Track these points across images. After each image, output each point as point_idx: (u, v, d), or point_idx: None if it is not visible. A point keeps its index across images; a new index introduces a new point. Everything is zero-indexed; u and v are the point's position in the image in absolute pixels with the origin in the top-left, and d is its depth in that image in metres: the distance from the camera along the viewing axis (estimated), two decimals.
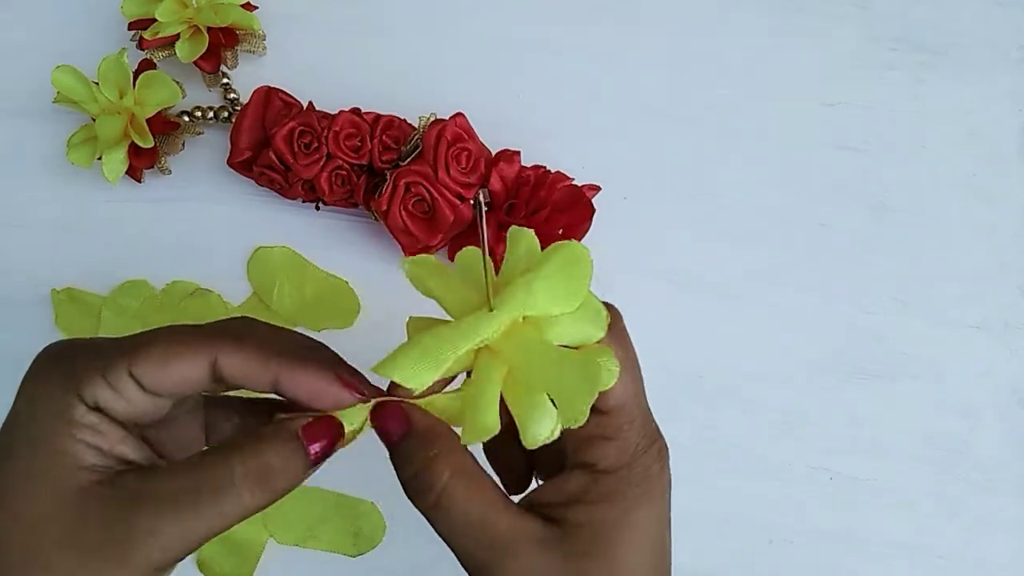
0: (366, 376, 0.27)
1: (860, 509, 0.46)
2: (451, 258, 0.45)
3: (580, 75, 0.49)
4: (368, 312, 0.45)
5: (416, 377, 0.24)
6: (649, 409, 0.28)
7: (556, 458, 0.28)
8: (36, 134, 0.46)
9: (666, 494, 0.27)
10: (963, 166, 0.50)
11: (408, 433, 0.26)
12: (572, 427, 0.23)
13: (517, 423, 0.24)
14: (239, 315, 0.27)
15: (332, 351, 0.28)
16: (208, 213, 0.46)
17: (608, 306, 0.27)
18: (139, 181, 0.45)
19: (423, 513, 0.26)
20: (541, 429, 0.23)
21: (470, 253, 0.28)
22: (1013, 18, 0.52)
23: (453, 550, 0.26)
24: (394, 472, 0.27)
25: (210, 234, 0.46)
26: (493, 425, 0.24)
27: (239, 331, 0.26)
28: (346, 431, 0.26)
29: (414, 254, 0.44)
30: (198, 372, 0.24)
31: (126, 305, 0.44)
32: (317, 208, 0.46)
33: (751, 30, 0.51)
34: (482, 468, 0.26)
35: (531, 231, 0.27)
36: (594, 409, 0.24)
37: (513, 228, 0.27)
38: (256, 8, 0.47)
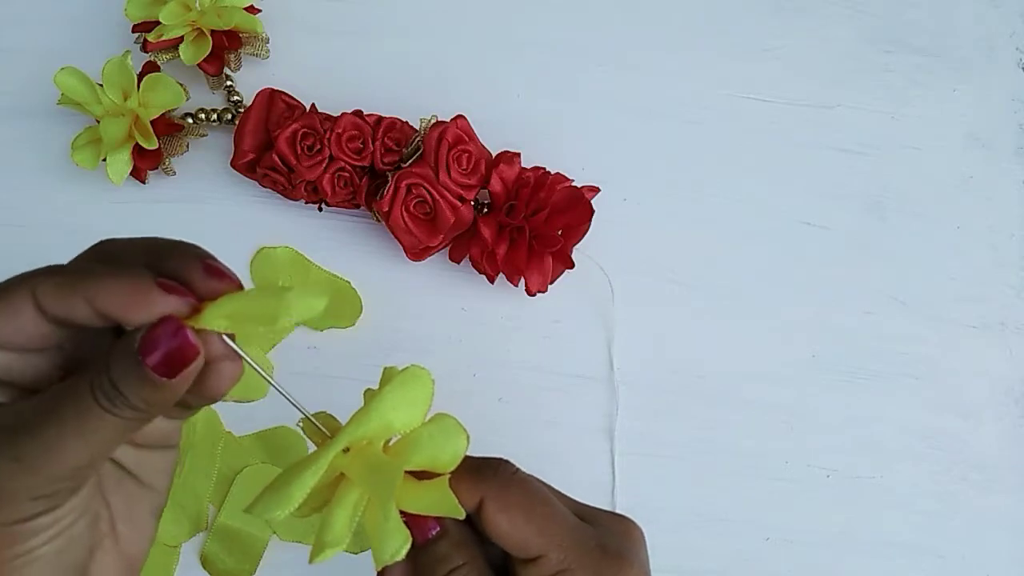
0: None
1: (859, 508, 0.46)
2: (452, 259, 0.45)
3: (580, 76, 0.50)
4: (371, 312, 0.46)
5: (274, 513, 0.24)
6: (580, 547, 0.26)
7: None
8: (40, 135, 0.46)
9: None
10: (960, 168, 0.51)
11: (442, 534, 0.26)
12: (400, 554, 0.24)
13: (371, 543, 0.25)
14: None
15: (185, 252, 0.24)
16: (211, 214, 0.46)
17: (500, 460, 0.27)
18: (143, 182, 0.46)
19: None
20: (385, 549, 0.24)
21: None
22: (1009, 20, 0.53)
23: None
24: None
25: (214, 235, 0.46)
26: (335, 541, 0.24)
27: (61, 265, 0.24)
28: (194, 332, 0.23)
29: (416, 255, 0.45)
30: (24, 315, 0.22)
31: None
32: (320, 209, 0.46)
33: (750, 33, 0.51)
34: None
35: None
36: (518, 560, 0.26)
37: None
38: (259, 11, 0.47)
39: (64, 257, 0.46)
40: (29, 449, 0.22)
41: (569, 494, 0.28)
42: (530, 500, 0.26)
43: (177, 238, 0.25)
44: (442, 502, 0.24)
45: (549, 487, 0.28)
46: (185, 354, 0.22)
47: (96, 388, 0.22)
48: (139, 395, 0.22)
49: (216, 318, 0.23)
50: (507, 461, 0.27)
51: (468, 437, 0.25)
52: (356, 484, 0.25)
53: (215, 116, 0.46)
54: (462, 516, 0.24)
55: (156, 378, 0.22)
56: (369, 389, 0.26)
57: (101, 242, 0.25)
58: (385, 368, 0.26)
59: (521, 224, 0.43)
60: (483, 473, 0.26)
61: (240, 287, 0.24)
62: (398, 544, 0.24)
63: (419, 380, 0.25)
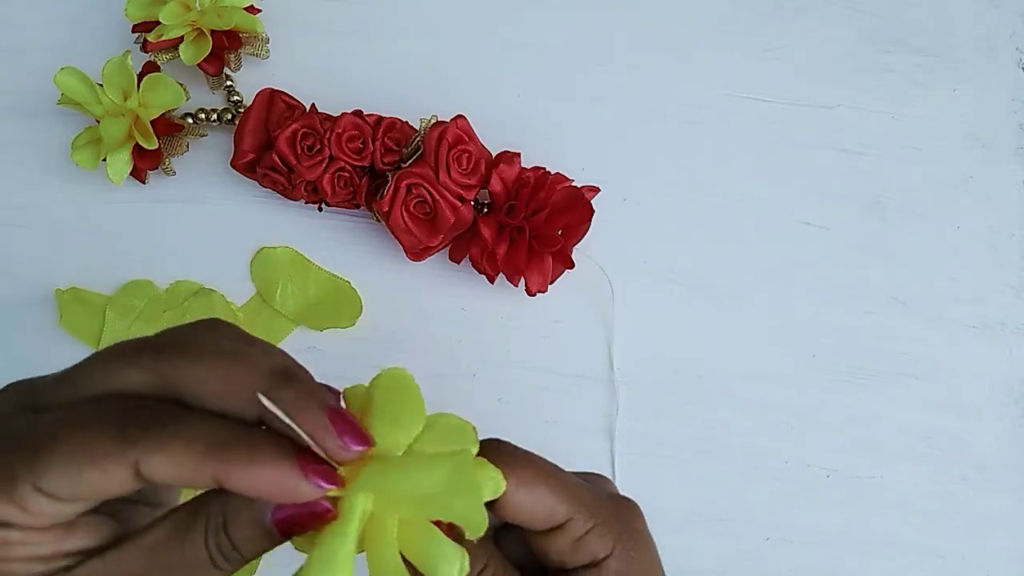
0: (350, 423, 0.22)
1: (859, 508, 0.46)
2: (452, 259, 0.45)
3: (580, 76, 0.50)
4: (371, 312, 0.46)
5: None
6: (598, 500, 0.27)
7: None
8: (41, 135, 0.46)
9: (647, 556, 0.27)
10: (960, 168, 0.51)
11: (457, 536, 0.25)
12: (473, 539, 0.22)
13: (423, 572, 0.22)
14: (164, 404, 0.21)
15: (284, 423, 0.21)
16: (212, 214, 0.46)
17: (497, 441, 0.26)
18: (143, 182, 0.46)
19: None
20: (449, 569, 0.22)
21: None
22: (1008, 19, 0.53)
23: None
24: None
25: (214, 235, 0.46)
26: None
27: (162, 423, 0.20)
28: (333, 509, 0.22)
29: (416, 255, 0.45)
30: (118, 481, 0.20)
31: (130, 305, 0.44)
32: (320, 209, 0.46)
33: (750, 33, 0.51)
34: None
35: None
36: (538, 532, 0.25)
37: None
38: (259, 11, 0.47)
39: (65, 257, 0.45)
40: None
41: None
42: (541, 470, 0.26)
43: (296, 363, 0.23)
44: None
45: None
46: (321, 519, 0.22)
47: (213, 549, 0.21)
48: (254, 551, 0.22)
49: (361, 493, 0.21)
50: (502, 440, 0.26)
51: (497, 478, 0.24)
52: (390, 515, 0.23)
53: (215, 116, 0.46)
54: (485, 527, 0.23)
55: (278, 536, 0.22)
56: (351, 389, 0.25)
57: (214, 325, 0.23)
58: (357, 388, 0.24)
59: (521, 224, 0.43)
60: (492, 456, 0.25)
61: (372, 443, 0.22)
62: (459, 563, 0.22)
63: (403, 388, 0.23)
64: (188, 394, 0.21)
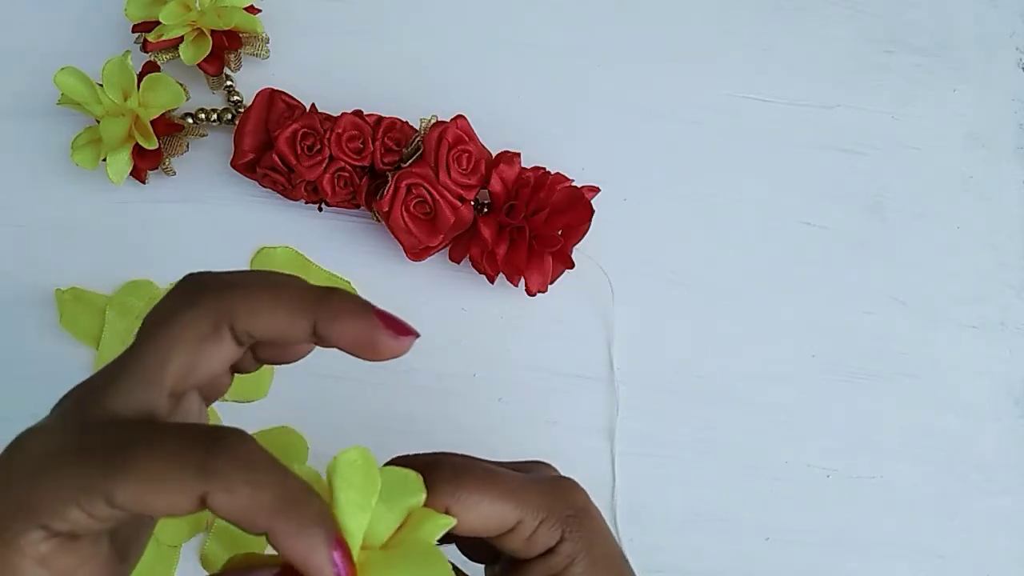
0: None
1: (859, 508, 0.46)
2: (452, 259, 0.45)
3: (580, 76, 0.50)
4: None
5: None
6: (541, 493, 0.27)
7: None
8: (40, 135, 0.46)
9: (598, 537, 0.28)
10: (960, 168, 0.51)
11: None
12: None
13: None
14: (231, 428, 0.22)
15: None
16: (211, 214, 0.46)
17: (437, 463, 0.26)
18: (143, 182, 0.46)
19: None
20: None
21: None
22: (1009, 20, 0.53)
23: None
24: None
25: (214, 235, 0.46)
26: None
27: (233, 462, 0.21)
28: None
29: (416, 255, 0.45)
30: (182, 507, 0.21)
31: (130, 305, 0.44)
32: (320, 209, 0.46)
33: (750, 32, 0.51)
34: None
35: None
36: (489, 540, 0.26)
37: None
38: (259, 11, 0.47)
39: (65, 257, 0.45)
40: None
41: None
42: (484, 484, 0.26)
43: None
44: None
45: (475, 459, 0.28)
46: None
47: None
48: None
49: None
50: (441, 459, 0.26)
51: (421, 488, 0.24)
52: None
53: (215, 116, 0.46)
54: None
55: None
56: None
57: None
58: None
59: (521, 224, 0.43)
60: (433, 484, 0.25)
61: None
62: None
63: (361, 470, 0.23)
64: (244, 325, 0.23)
